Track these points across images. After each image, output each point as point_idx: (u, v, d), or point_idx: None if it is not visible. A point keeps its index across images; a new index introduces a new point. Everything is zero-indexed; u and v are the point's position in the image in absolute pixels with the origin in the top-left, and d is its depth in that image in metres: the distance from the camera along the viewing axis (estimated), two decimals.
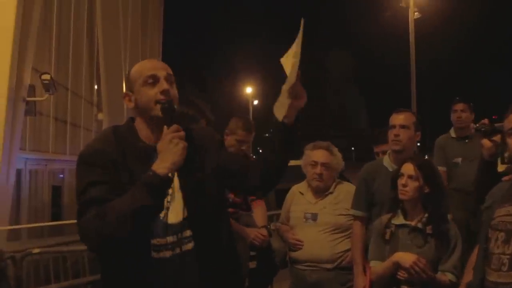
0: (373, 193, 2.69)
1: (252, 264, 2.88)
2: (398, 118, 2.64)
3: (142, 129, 1.66)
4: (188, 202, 1.62)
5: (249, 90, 31.94)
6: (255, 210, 2.98)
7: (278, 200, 3.67)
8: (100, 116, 10.98)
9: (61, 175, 9.68)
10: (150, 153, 1.59)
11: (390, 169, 2.63)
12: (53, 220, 8.35)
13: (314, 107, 77.92)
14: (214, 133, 1.80)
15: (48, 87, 6.48)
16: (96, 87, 11.59)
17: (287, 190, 3.10)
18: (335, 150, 2.93)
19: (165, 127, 1.55)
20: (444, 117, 4.34)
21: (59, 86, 8.35)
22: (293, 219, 2.90)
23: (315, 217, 2.83)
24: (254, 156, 3.24)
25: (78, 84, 10.66)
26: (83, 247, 4.70)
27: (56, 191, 9.21)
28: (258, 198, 2.98)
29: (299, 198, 2.95)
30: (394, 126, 2.64)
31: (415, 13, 13.41)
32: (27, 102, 6.54)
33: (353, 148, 58.68)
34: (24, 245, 5.07)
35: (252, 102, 31.26)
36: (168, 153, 1.50)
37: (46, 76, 6.48)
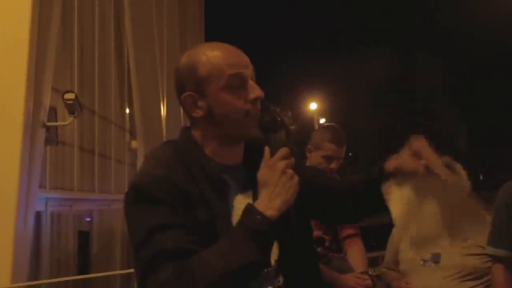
0: None
1: None
2: None
3: (209, 144, 1.49)
4: (281, 240, 1.46)
5: (313, 106, 32.24)
6: (350, 250, 2.80)
7: (377, 238, 3.46)
8: (134, 144, 11.07)
9: (89, 218, 9.77)
10: (222, 176, 1.45)
11: None
12: (80, 273, 8.38)
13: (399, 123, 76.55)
14: (293, 146, 1.66)
15: (72, 108, 6.53)
16: (128, 109, 11.75)
17: (389, 225, 2.90)
18: (458, 167, 2.71)
19: (266, 149, 1.40)
20: None
21: (84, 109, 8.46)
22: (406, 262, 2.73)
23: (437, 258, 2.62)
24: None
25: (106, 106, 10.83)
26: None
27: (83, 237, 9.28)
28: (353, 236, 2.80)
29: None
30: None
31: None
32: (48, 128, 6.61)
33: None
34: None
35: (318, 120, 31.31)
36: (280, 189, 1.35)
37: (70, 95, 6.54)
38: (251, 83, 1.47)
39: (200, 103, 1.47)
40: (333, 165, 2.80)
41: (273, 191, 1.35)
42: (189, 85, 1.49)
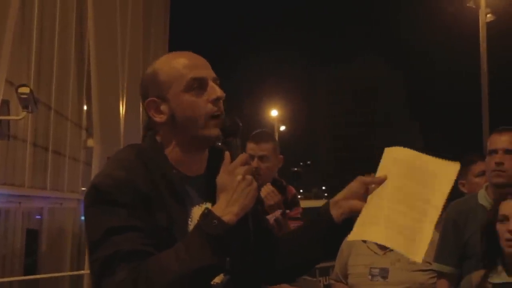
0: (465, 242, 2.55)
1: None
2: (501, 140, 2.51)
3: (172, 151, 1.50)
4: (233, 254, 1.44)
5: (274, 113, 32.48)
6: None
7: None
8: (90, 142, 10.92)
9: (39, 216, 9.59)
10: (184, 185, 1.46)
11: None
12: (26, 273, 8.21)
13: (357, 136, 77.83)
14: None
15: (26, 102, 6.39)
16: (85, 107, 11.61)
17: None
18: None
19: (227, 154, 1.41)
20: None
21: (39, 104, 8.32)
22: (354, 276, 2.75)
23: (385, 273, 2.66)
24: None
25: (63, 102, 10.69)
26: None
27: (32, 236, 9.09)
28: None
29: (361, 248, 2.79)
30: (495, 151, 2.50)
31: (488, 15, 13.45)
32: None
33: None
34: None
35: (278, 127, 31.52)
36: (238, 194, 1.37)
37: (24, 89, 6.41)
38: (212, 84, 1.50)
39: (162, 108, 1.49)
40: (253, 163, 2.80)
41: (232, 196, 1.37)
42: (152, 91, 1.51)
